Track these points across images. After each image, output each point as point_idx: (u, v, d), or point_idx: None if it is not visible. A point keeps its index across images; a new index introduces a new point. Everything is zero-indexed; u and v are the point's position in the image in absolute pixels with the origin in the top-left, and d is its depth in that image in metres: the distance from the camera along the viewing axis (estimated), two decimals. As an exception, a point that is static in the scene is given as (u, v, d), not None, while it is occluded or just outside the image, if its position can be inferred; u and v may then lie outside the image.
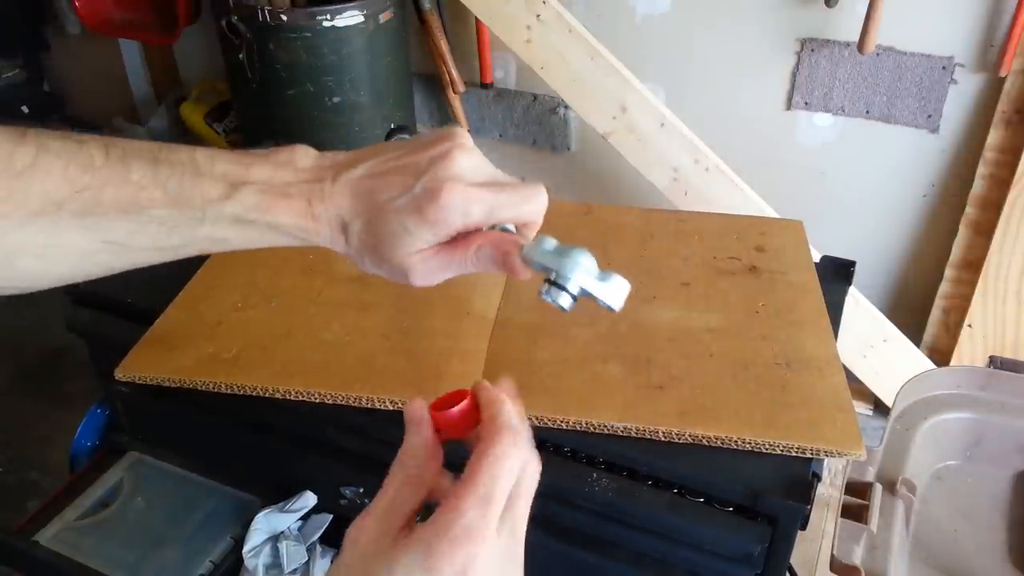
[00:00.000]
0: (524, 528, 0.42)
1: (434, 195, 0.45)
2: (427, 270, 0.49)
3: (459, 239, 0.49)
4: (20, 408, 1.99)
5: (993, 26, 1.50)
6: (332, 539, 0.81)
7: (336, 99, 1.79)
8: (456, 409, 0.44)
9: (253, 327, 0.82)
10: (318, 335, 0.81)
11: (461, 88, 1.97)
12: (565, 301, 0.48)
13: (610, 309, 0.48)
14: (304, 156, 0.51)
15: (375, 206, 0.48)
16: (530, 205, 0.48)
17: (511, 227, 0.49)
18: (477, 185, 0.47)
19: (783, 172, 1.80)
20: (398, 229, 0.47)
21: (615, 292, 0.47)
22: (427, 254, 0.48)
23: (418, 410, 0.45)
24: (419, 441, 0.44)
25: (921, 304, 1.77)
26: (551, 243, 0.47)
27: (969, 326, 1.67)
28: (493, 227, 0.49)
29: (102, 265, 0.50)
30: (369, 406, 0.73)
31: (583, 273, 0.47)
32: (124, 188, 0.46)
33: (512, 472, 0.40)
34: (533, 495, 0.43)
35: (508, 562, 0.40)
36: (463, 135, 0.49)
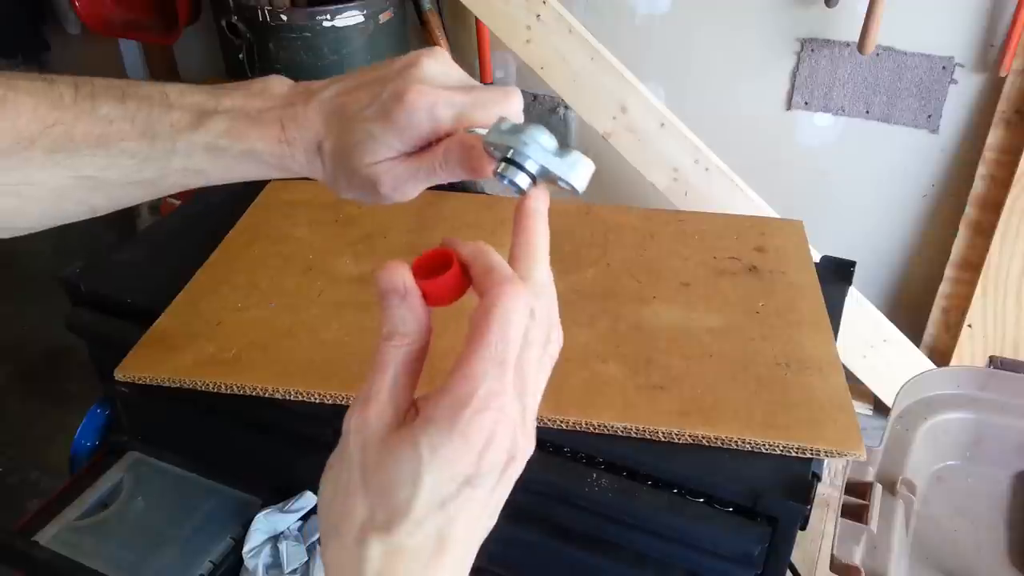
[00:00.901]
0: (536, 380, 0.39)
1: (399, 98, 0.44)
2: (395, 179, 0.47)
3: (429, 146, 0.47)
4: (20, 408, 1.99)
5: (993, 26, 1.50)
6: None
7: (336, 99, 1.79)
8: (450, 274, 0.39)
9: (253, 327, 0.82)
10: (318, 335, 0.81)
11: (461, 88, 1.97)
12: (523, 181, 0.43)
13: (573, 190, 0.44)
14: (279, 84, 0.51)
15: (345, 119, 0.47)
16: (502, 106, 0.46)
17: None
18: (445, 88, 0.45)
19: (783, 172, 1.80)
20: (365, 137, 0.46)
21: (577, 170, 0.43)
22: (395, 162, 0.47)
23: (401, 277, 0.38)
24: (411, 315, 0.39)
25: (921, 304, 1.77)
26: (508, 123, 0.44)
27: (969, 326, 1.67)
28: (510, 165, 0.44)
29: (80, 203, 0.50)
30: (369, 406, 0.73)
31: (541, 150, 0.43)
32: (94, 123, 0.46)
33: (521, 326, 0.37)
34: (544, 343, 0.39)
35: (524, 416, 0.37)
36: (434, 49, 0.48)
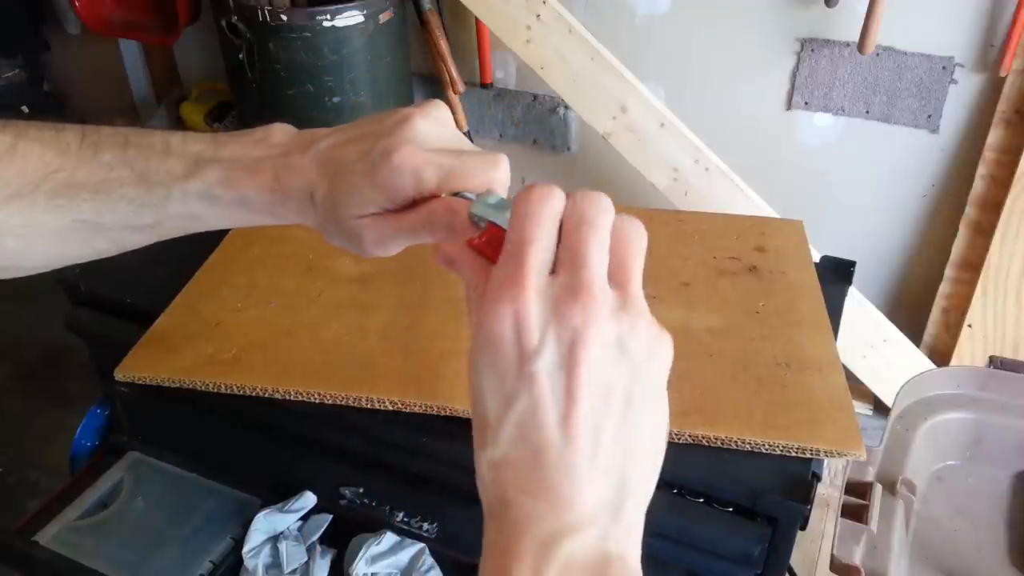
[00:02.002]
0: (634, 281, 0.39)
1: (387, 157, 0.45)
2: (378, 235, 0.48)
3: (415, 205, 0.47)
4: (20, 408, 1.99)
5: (993, 26, 1.50)
6: (332, 539, 0.81)
7: (336, 99, 1.79)
8: (492, 236, 0.41)
9: (253, 327, 0.82)
10: (318, 335, 0.81)
11: (461, 88, 1.97)
12: None
13: None
14: (280, 133, 0.52)
15: (337, 171, 0.48)
16: (489, 173, 0.46)
17: (472, 197, 0.45)
18: (434, 150, 0.46)
19: (783, 172, 1.80)
20: (353, 192, 0.47)
21: None
22: (379, 219, 0.47)
23: (456, 252, 0.41)
24: (479, 276, 0.40)
25: (921, 304, 1.77)
26: (496, 197, 0.44)
27: (969, 326, 1.67)
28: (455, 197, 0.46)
29: (82, 245, 0.52)
30: (369, 406, 0.73)
31: None
32: (95, 169, 0.49)
33: (545, 207, 0.37)
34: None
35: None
36: (431, 105, 0.48)
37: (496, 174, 0.46)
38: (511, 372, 0.35)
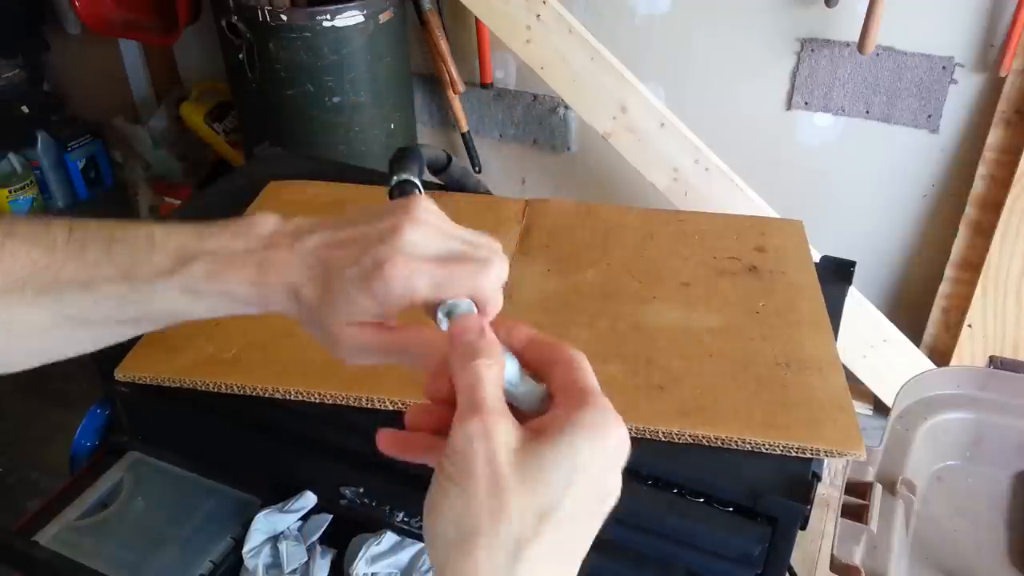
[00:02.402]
0: None
1: (379, 268, 0.45)
2: (358, 347, 0.49)
3: (405, 327, 0.48)
4: (20, 408, 1.99)
5: (993, 26, 1.50)
6: (332, 539, 0.81)
7: (336, 99, 1.79)
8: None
9: (253, 327, 0.82)
10: (318, 335, 0.81)
11: (461, 88, 1.97)
12: None
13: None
14: (263, 224, 0.51)
15: (326, 274, 0.48)
16: (480, 280, 0.46)
17: (469, 302, 0.46)
18: (424, 259, 0.46)
19: (783, 172, 1.80)
20: (344, 298, 0.47)
21: (531, 405, 0.44)
22: (364, 329, 0.48)
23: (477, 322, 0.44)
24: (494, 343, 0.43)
25: (921, 304, 1.77)
26: (513, 367, 0.44)
27: (969, 326, 1.67)
28: (449, 313, 0.46)
29: (65, 341, 0.53)
30: (369, 406, 0.73)
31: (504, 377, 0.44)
32: (80, 267, 0.49)
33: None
34: None
35: None
36: (418, 206, 0.48)
37: (483, 281, 0.46)
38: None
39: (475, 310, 0.46)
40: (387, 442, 0.44)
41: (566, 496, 0.38)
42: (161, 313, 0.51)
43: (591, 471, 0.38)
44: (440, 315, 0.45)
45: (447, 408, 0.43)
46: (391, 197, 0.69)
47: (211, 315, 0.51)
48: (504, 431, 0.38)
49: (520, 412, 0.41)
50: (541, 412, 0.42)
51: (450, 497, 0.38)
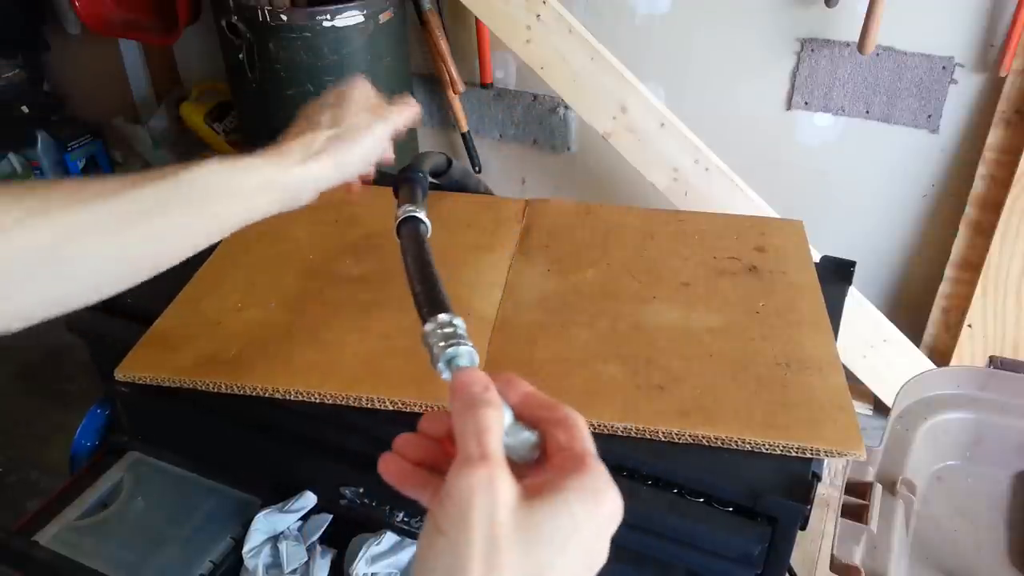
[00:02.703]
0: None
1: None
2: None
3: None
4: (20, 408, 1.99)
5: (993, 26, 1.50)
6: (332, 539, 0.81)
7: (336, 99, 1.79)
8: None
9: (253, 327, 0.82)
10: (318, 335, 0.81)
11: (461, 88, 1.97)
12: None
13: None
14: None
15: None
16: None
17: (471, 352, 0.48)
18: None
19: (783, 172, 1.80)
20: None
21: (521, 454, 0.44)
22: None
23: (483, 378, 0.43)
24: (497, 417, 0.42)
25: (921, 304, 1.77)
26: (508, 418, 0.43)
27: (969, 326, 1.67)
28: (450, 363, 0.47)
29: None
30: (369, 406, 0.73)
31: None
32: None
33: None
34: None
35: None
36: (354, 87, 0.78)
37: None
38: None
39: (477, 361, 0.47)
40: (387, 468, 0.44)
41: (557, 560, 0.37)
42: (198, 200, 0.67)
43: (584, 535, 0.38)
44: (441, 364, 0.47)
45: (436, 445, 0.44)
46: (398, 234, 0.72)
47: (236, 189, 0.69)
48: (507, 488, 0.38)
49: (510, 461, 0.40)
50: (530, 460, 0.42)
51: (440, 551, 0.37)
